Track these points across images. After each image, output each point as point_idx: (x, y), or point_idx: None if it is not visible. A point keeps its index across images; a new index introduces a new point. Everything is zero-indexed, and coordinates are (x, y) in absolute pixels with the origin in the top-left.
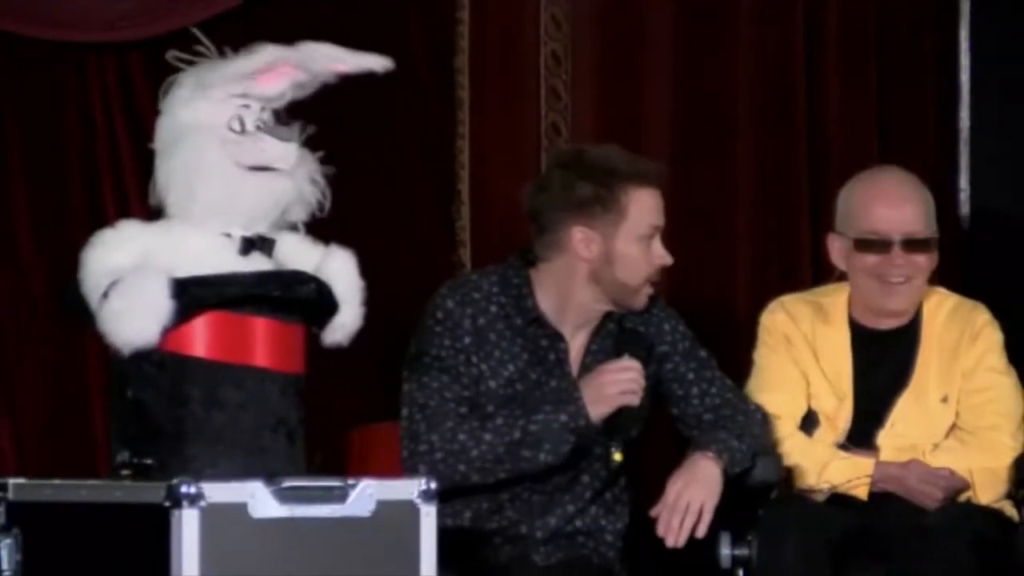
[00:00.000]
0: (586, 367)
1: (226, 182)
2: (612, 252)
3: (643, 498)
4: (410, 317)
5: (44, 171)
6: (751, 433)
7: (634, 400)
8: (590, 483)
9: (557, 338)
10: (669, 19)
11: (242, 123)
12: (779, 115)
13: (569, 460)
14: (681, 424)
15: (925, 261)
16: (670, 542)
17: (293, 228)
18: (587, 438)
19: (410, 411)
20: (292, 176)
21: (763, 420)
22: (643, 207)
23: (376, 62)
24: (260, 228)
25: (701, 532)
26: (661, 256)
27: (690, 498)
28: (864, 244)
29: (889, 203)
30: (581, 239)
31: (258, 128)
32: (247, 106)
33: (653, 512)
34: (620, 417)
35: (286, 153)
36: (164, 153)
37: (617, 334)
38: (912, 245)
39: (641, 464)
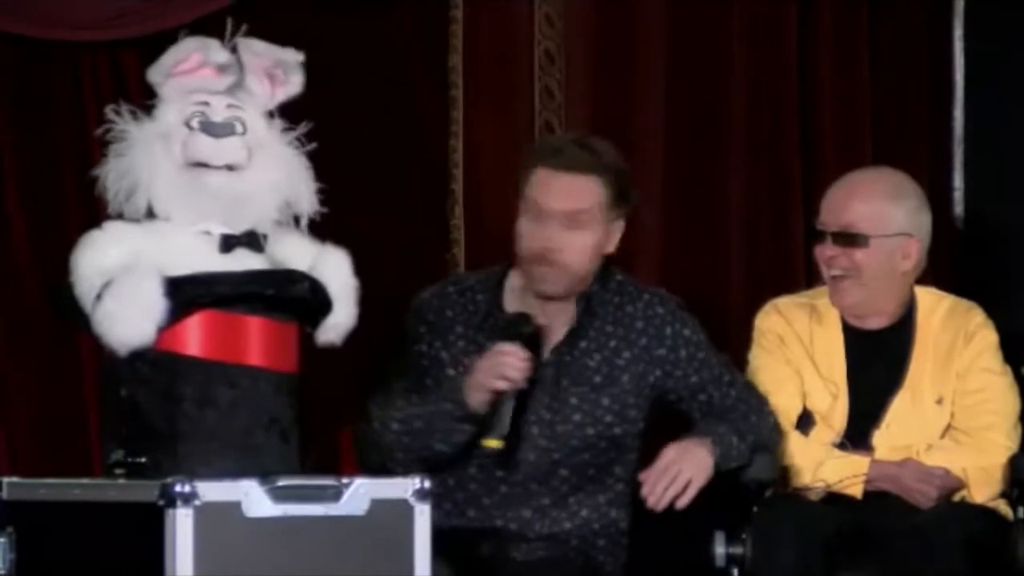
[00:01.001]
0: (557, 362)
1: (166, 180)
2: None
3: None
4: (404, 315)
5: (38, 171)
6: (758, 433)
7: (503, 384)
8: (568, 477)
9: None
10: (662, 18)
11: (194, 120)
12: (773, 115)
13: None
14: (689, 420)
15: (864, 258)
16: (651, 503)
17: (294, 225)
18: (479, 426)
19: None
20: (242, 173)
21: (775, 425)
22: (533, 184)
23: (290, 55)
24: (243, 225)
25: (682, 504)
26: (539, 237)
27: (681, 468)
28: (813, 234)
29: (835, 194)
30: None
31: (191, 127)
32: (206, 103)
33: (642, 475)
34: (496, 403)
35: (222, 150)
36: (117, 152)
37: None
38: (845, 239)
39: (641, 465)
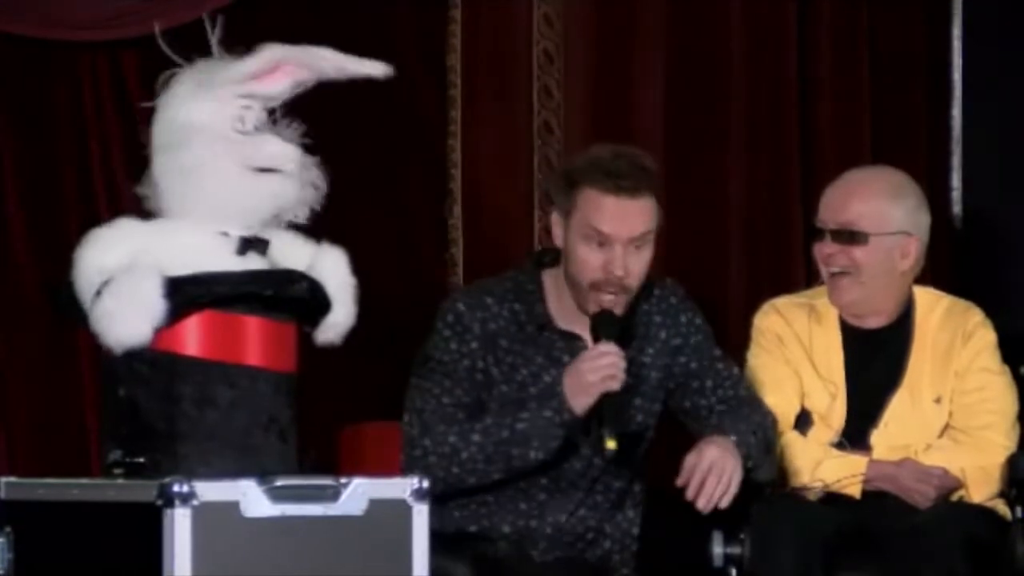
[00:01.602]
0: None
1: (234, 184)
2: (566, 244)
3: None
4: (402, 315)
5: (37, 170)
6: (765, 430)
7: (615, 384)
8: (600, 478)
9: (573, 339)
10: (662, 17)
11: (243, 123)
12: (772, 115)
13: (557, 456)
14: (692, 418)
15: (863, 256)
16: (701, 504)
17: (285, 227)
18: (577, 431)
19: (409, 416)
20: (294, 178)
21: (774, 423)
22: (589, 208)
23: (376, 68)
24: (256, 228)
25: (725, 503)
26: (605, 264)
27: (724, 468)
28: (812, 232)
29: (835, 192)
30: (554, 222)
31: (256, 129)
32: (249, 107)
33: (681, 480)
34: (607, 403)
35: (291, 154)
36: (165, 151)
37: (590, 319)
38: (844, 237)
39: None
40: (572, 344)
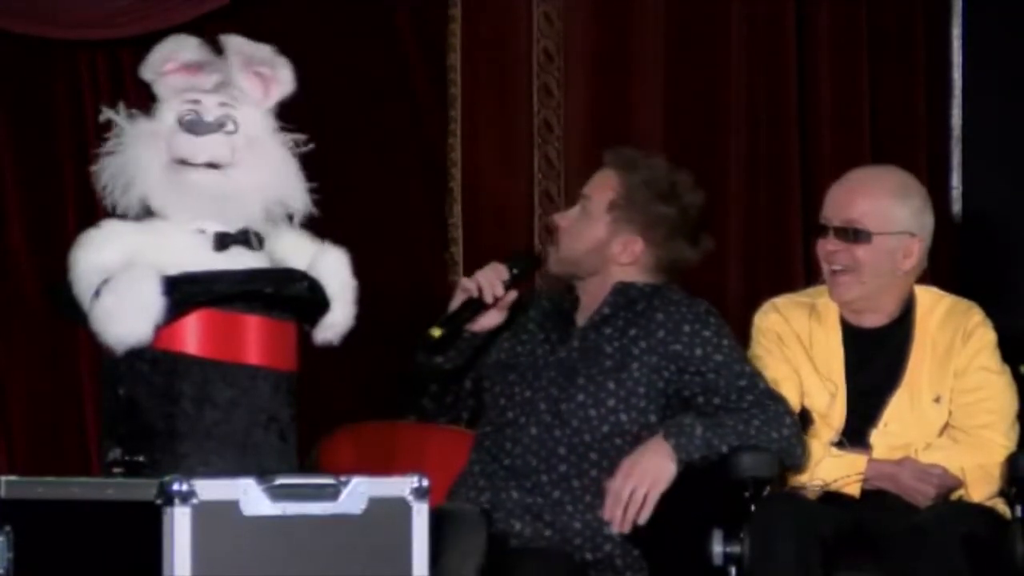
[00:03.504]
0: (586, 339)
1: (155, 177)
2: None
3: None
4: (402, 315)
5: (36, 169)
6: (753, 438)
7: (472, 287)
8: (566, 456)
9: (564, 318)
10: (661, 16)
11: (186, 118)
12: (771, 114)
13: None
14: None
15: (865, 254)
16: (615, 530)
17: (289, 223)
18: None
19: None
20: (227, 171)
21: (790, 436)
22: None
23: (265, 51)
24: (234, 223)
25: (642, 520)
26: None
27: (636, 485)
28: (814, 229)
29: (840, 190)
30: None
31: (180, 123)
32: (198, 100)
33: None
34: (464, 305)
35: (202, 148)
36: (111, 149)
37: None
38: (847, 234)
39: None
40: (568, 325)
